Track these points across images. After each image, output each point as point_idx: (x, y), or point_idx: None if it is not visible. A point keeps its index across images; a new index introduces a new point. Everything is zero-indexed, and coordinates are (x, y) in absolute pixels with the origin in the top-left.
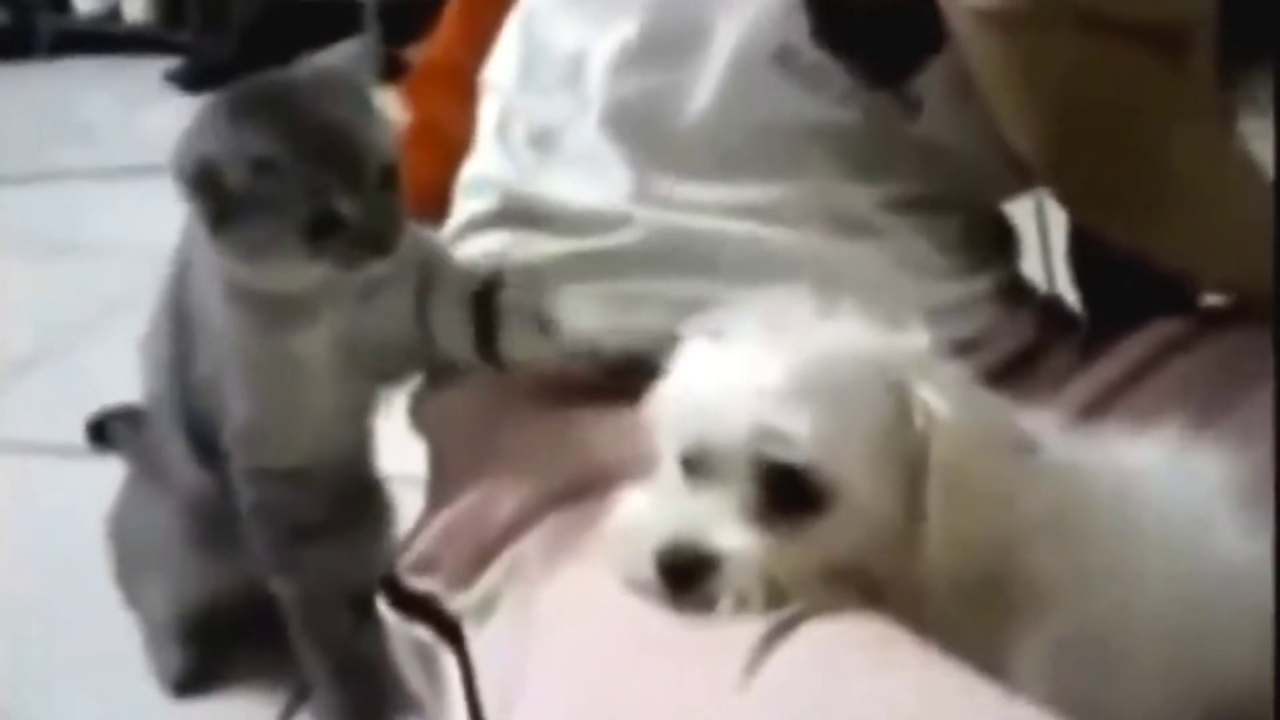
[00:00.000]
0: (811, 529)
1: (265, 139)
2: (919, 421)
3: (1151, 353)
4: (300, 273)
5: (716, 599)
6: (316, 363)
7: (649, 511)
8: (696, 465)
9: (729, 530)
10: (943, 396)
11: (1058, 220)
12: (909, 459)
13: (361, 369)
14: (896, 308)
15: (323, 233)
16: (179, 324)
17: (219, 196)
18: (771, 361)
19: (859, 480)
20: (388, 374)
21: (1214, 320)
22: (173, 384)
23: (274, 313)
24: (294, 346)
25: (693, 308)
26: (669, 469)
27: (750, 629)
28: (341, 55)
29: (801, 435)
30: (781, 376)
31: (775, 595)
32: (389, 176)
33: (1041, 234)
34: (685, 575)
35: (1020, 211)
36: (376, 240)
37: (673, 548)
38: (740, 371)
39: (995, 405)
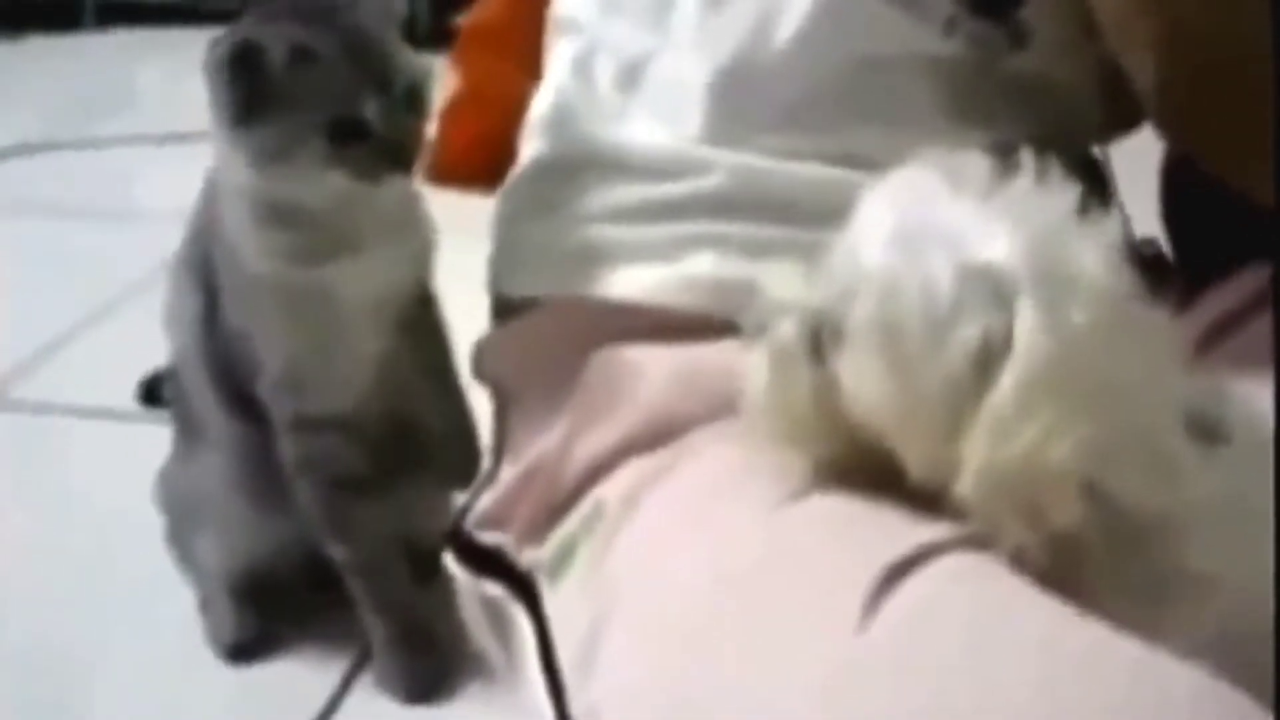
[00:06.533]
0: None
1: (304, 31)
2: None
3: (1249, 300)
4: (319, 181)
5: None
6: (354, 297)
7: None
8: None
9: None
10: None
11: (1124, 173)
12: None
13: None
14: None
15: (345, 138)
16: (204, 277)
17: (252, 82)
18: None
19: None
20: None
21: None
22: (201, 338)
23: (306, 240)
24: (327, 277)
25: (772, 252)
26: None
27: (856, 572)
28: None
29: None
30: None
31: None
32: (414, 99)
33: None
34: None
35: None
36: (397, 153)
37: None
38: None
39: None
